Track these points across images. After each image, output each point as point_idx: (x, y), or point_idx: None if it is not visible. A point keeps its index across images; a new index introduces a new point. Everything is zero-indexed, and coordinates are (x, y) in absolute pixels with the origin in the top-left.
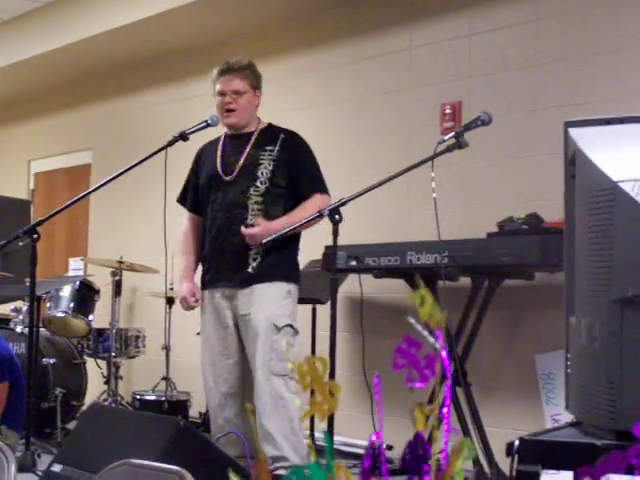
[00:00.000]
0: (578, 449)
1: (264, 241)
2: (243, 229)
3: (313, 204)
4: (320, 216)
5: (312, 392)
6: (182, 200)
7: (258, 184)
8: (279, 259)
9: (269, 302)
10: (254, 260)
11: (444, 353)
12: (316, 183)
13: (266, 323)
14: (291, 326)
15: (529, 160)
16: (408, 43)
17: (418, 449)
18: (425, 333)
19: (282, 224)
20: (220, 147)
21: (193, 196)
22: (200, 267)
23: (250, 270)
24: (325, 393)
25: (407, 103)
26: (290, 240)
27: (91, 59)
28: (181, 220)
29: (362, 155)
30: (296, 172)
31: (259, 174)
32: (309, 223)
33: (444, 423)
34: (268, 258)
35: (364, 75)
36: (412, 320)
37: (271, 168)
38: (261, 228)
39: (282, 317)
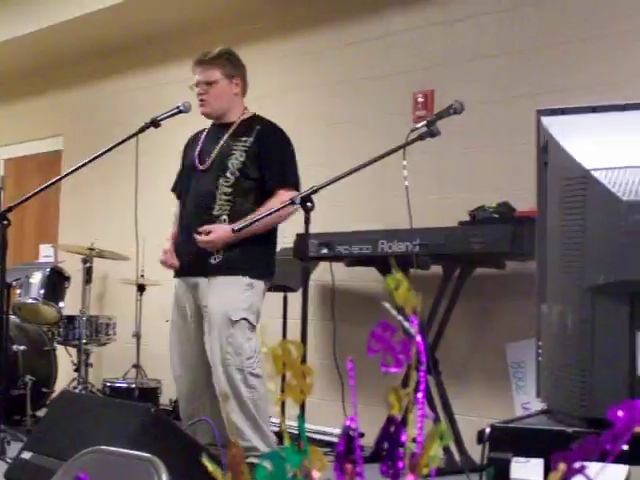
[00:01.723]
0: (549, 436)
1: (235, 228)
2: (197, 237)
3: (274, 201)
4: (291, 204)
5: (283, 378)
6: (174, 188)
7: (228, 175)
8: (244, 253)
9: (226, 295)
10: (217, 252)
11: (419, 337)
12: (282, 178)
13: (221, 316)
14: (247, 320)
15: (502, 149)
16: (384, 30)
17: (392, 434)
18: (400, 318)
19: (248, 230)
20: (203, 136)
21: (181, 184)
22: None
23: (212, 260)
24: (299, 377)
25: (381, 91)
26: (259, 236)
27: (62, 44)
28: (152, 206)
29: (335, 142)
30: (267, 164)
31: (229, 164)
32: (280, 216)
33: (418, 408)
34: (232, 251)
35: (339, 62)
36: (387, 305)
37: (242, 159)
38: (215, 234)
39: (238, 310)
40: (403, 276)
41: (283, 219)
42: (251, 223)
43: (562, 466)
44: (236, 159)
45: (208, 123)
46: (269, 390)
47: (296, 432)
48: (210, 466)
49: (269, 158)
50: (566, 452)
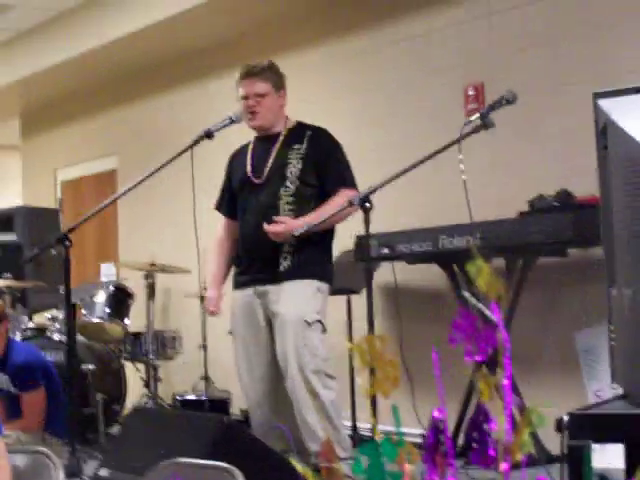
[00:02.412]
0: (629, 421)
1: (296, 233)
2: (266, 226)
3: (336, 200)
4: (350, 206)
5: (371, 372)
6: (218, 206)
7: (288, 184)
8: (310, 257)
9: (299, 298)
10: (285, 259)
11: (501, 324)
12: (342, 178)
13: (296, 319)
14: (320, 322)
15: (557, 137)
16: (427, 27)
17: (482, 421)
18: (480, 306)
19: (307, 220)
20: (250, 150)
21: (228, 202)
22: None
23: (281, 268)
24: (386, 370)
25: (430, 87)
26: (322, 238)
27: (110, 64)
28: (211, 218)
29: (388, 142)
30: (322, 168)
31: (288, 174)
32: (339, 216)
33: (506, 394)
34: (299, 256)
35: (384, 62)
36: (466, 294)
37: (300, 167)
38: (285, 225)
39: (312, 313)
40: (485, 262)
41: (342, 219)
42: (311, 227)
43: None
44: (294, 167)
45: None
46: (357, 384)
47: (369, 434)
48: (299, 467)
49: (325, 162)
50: None
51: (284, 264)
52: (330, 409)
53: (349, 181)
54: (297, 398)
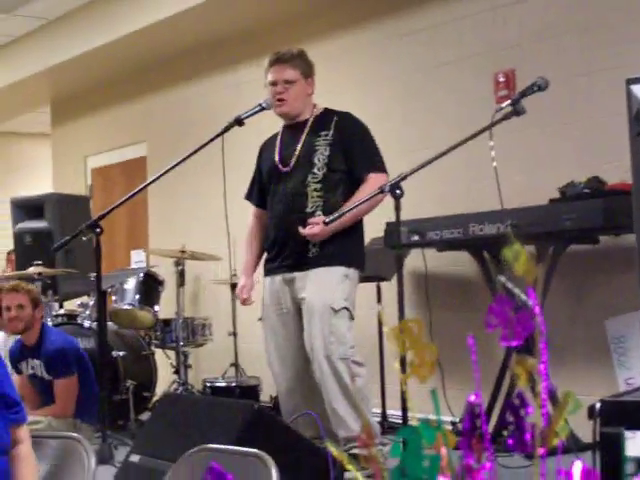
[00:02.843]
0: None
1: (327, 220)
2: (302, 230)
3: (367, 187)
4: (381, 192)
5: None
6: (249, 196)
7: (316, 171)
8: (340, 244)
9: (325, 285)
10: (314, 246)
11: (537, 309)
12: (371, 162)
13: (323, 306)
14: (347, 309)
15: (587, 123)
16: (456, 14)
17: (519, 406)
18: (517, 291)
19: (342, 222)
20: (279, 139)
21: (258, 191)
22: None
23: (310, 254)
24: (423, 355)
25: (459, 75)
26: (353, 227)
27: (140, 52)
28: (242, 205)
29: (418, 130)
30: (350, 153)
31: (316, 161)
32: (371, 204)
33: (542, 379)
34: (328, 243)
35: (411, 50)
36: (503, 278)
37: (328, 153)
38: (319, 227)
39: (339, 300)
40: (522, 247)
41: (374, 207)
42: (343, 214)
43: None
44: (321, 154)
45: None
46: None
47: (399, 421)
48: (335, 451)
49: (353, 146)
50: None
51: (312, 251)
52: (358, 396)
53: (378, 165)
54: (325, 385)
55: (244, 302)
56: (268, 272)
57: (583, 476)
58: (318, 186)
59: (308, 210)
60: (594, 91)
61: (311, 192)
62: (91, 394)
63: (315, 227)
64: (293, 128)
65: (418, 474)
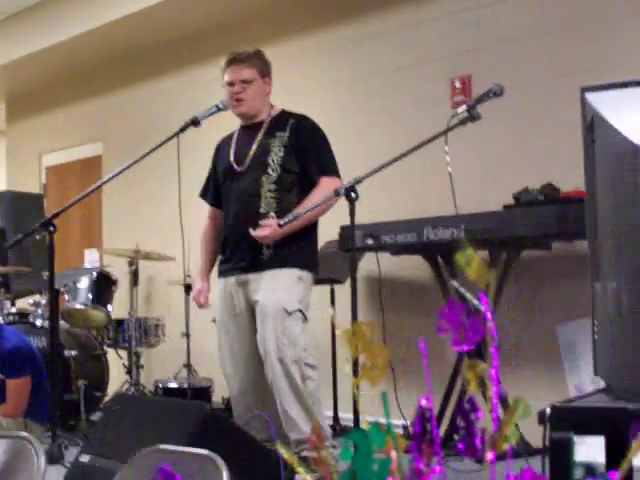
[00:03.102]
0: (610, 413)
1: (281, 222)
2: (252, 232)
3: (319, 190)
4: (337, 195)
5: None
6: (203, 194)
7: (270, 172)
8: (294, 246)
9: (279, 287)
10: (267, 248)
11: (489, 314)
12: (324, 166)
13: (276, 308)
14: (301, 311)
15: (542, 130)
16: (415, 19)
17: (469, 411)
18: (469, 295)
19: (294, 225)
20: (235, 139)
21: (213, 191)
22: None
23: (263, 256)
24: (375, 358)
25: (416, 79)
26: (305, 228)
27: (98, 49)
28: (196, 206)
29: (374, 133)
30: (305, 156)
31: (270, 161)
32: (323, 208)
33: (493, 384)
34: (281, 245)
35: (371, 54)
36: (455, 283)
37: (282, 154)
38: (270, 229)
39: (292, 302)
40: (474, 252)
41: (326, 210)
42: (297, 216)
43: None
44: (276, 155)
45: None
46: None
47: (349, 425)
48: (285, 454)
49: (307, 149)
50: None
51: (266, 252)
52: (310, 399)
53: (332, 170)
54: (277, 387)
55: (201, 306)
56: (222, 273)
57: None
58: (272, 187)
59: (262, 211)
60: (550, 98)
61: (265, 193)
62: (42, 394)
63: (266, 229)
64: (250, 128)
65: (368, 477)
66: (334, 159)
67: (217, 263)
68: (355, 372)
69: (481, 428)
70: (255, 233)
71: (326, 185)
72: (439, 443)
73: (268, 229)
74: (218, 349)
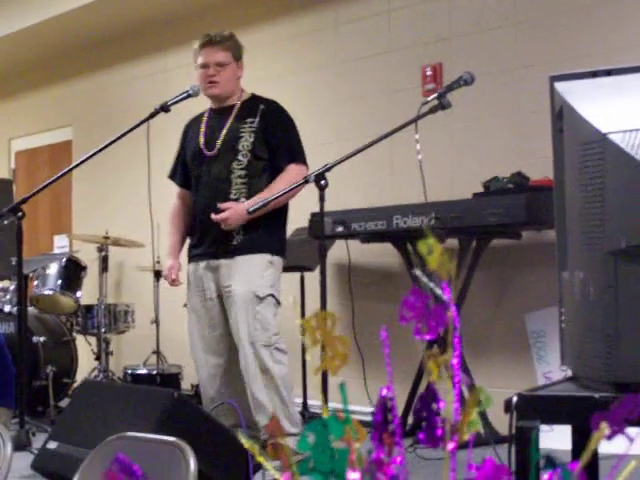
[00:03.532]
0: (576, 403)
1: (250, 209)
2: (213, 216)
3: (286, 177)
4: (305, 183)
5: (322, 348)
6: (172, 176)
7: (240, 157)
8: (263, 231)
9: (250, 273)
10: (237, 234)
11: (452, 303)
12: (291, 153)
13: (247, 294)
14: (273, 296)
15: (512, 119)
16: (387, 6)
17: (430, 400)
18: (431, 285)
19: (255, 201)
20: (204, 122)
21: (182, 172)
22: (188, 242)
23: (234, 242)
24: (335, 348)
25: (387, 67)
26: (274, 213)
27: (67, 34)
28: (165, 192)
29: (344, 120)
30: (273, 142)
31: (240, 147)
32: (291, 193)
33: (455, 374)
34: (252, 231)
35: (343, 40)
36: (418, 272)
37: (252, 140)
38: (231, 212)
39: (263, 287)
40: (436, 241)
41: (292, 197)
42: (266, 204)
43: (604, 426)
44: (246, 140)
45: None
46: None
47: (318, 412)
48: (246, 443)
49: (275, 136)
50: (606, 413)
51: (237, 238)
52: (280, 384)
53: (298, 157)
54: (247, 372)
55: (172, 283)
56: (192, 258)
57: (492, 471)
58: (242, 173)
59: (232, 197)
60: (519, 87)
61: (235, 179)
62: (7, 378)
63: (226, 212)
64: (220, 112)
65: (327, 467)
66: (302, 147)
67: (186, 247)
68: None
69: (442, 418)
70: (215, 217)
71: (292, 172)
72: (400, 433)
73: (228, 212)
74: (188, 334)
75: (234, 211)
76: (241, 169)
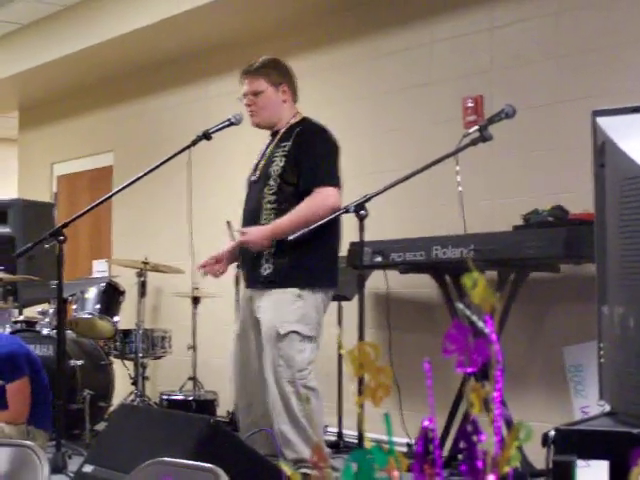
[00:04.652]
0: (614, 438)
1: (290, 238)
2: (238, 237)
3: (309, 201)
4: (346, 212)
5: (360, 381)
6: None
7: (271, 182)
8: (293, 262)
9: (275, 308)
10: (266, 262)
11: (494, 336)
12: (317, 176)
13: (270, 330)
14: (297, 332)
15: (552, 152)
16: (429, 38)
17: (472, 432)
18: (474, 318)
19: (277, 225)
20: (263, 147)
21: None
22: None
23: (263, 272)
24: (378, 378)
25: (428, 98)
26: (310, 244)
27: (111, 61)
28: (205, 219)
29: (384, 151)
30: (300, 165)
31: (271, 172)
32: (312, 219)
33: (496, 407)
34: (281, 260)
35: (385, 71)
36: (460, 305)
37: (282, 164)
38: (247, 235)
39: (286, 323)
40: (481, 275)
41: (315, 220)
42: (304, 232)
43: None
44: (277, 165)
45: (261, 134)
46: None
47: (354, 441)
48: (288, 470)
49: (302, 158)
50: None
51: (265, 267)
52: (302, 420)
53: (325, 179)
54: (273, 408)
55: (200, 267)
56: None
57: None
58: (272, 198)
59: (262, 222)
60: (561, 120)
61: (265, 204)
62: (44, 400)
63: (245, 235)
64: (272, 136)
65: None
66: (330, 168)
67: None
68: (360, 391)
69: (483, 450)
70: (238, 240)
71: (317, 196)
72: (440, 464)
73: (245, 236)
74: (231, 360)
75: (251, 236)
76: (271, 194)
